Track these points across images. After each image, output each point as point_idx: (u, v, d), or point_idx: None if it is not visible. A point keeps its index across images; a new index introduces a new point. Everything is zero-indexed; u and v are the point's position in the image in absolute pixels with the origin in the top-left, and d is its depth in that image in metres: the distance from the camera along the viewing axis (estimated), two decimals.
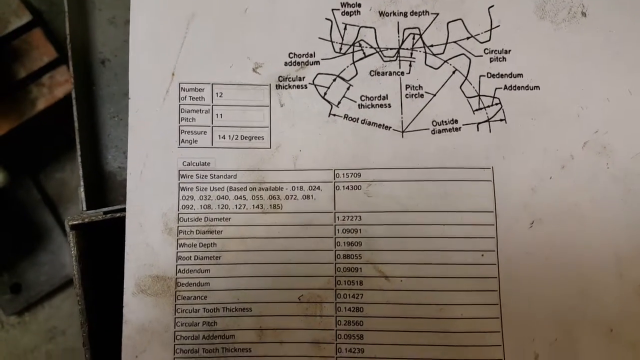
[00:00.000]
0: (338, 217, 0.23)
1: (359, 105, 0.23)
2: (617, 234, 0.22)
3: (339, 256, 0.23)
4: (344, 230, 0.23)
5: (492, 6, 0.23)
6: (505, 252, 0.22)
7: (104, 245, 0.26)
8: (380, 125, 0.23)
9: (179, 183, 0.23)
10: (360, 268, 0.22)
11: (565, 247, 0.22)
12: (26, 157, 0.59)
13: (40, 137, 0.57)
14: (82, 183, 0.29)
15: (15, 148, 0.53)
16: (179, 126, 0.24)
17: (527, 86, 0.23)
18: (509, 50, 0.23)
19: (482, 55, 0.23)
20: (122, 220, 0.24)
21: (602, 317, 0.21)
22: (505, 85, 0.23)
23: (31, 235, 0.58)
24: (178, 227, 0.23)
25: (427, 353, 0.22)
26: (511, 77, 0.23)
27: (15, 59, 0.49)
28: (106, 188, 0.31)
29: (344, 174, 0.23)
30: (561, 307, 0.22)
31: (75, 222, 0.24)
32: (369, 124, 0.23)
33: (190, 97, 0.24)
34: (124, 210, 0.24)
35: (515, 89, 0.23)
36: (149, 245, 0.23)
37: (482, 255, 0.22)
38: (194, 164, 0.23)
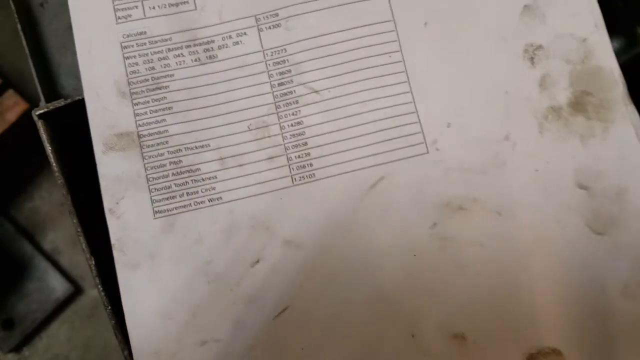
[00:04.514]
0: (266, 54, 0.27)
1: None
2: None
3: (274, 85, 0.27)
4: (274, 63, 0.27)
5: None
6: (408, 49, 0.27)
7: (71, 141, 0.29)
8: None
9: (123, 53, 0.26)
10: (294, 90, 0.26)
11: (454, 42, 0.27)
12: None
13: (1, 171, 0.58)
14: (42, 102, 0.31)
15: None
16: (114, 5, 0.27)
17: None
18: None
19: None
20: (83, 107, 0.27)
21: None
22: None
23: (14, 268, 0.58)
24: (130, 89, 0.26)
25: (360, 142, 0.26)
26: None
27: None
28: None
29: (264, 17, 0.27)
30: (461, 87, 0.26)
31: (40, 112, 0.27)
32: None
33: None
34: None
35: None
36: (108, 109, 0.26)
37: (390, 56, 0.26)
38: (133, 35, 0.27)
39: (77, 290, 0.59)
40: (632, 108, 0.26)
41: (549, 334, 0.25)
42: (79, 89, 0.34)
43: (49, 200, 0.63)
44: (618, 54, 0.28)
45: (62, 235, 0.61)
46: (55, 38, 0.33)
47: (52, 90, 0.33)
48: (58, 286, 0.59)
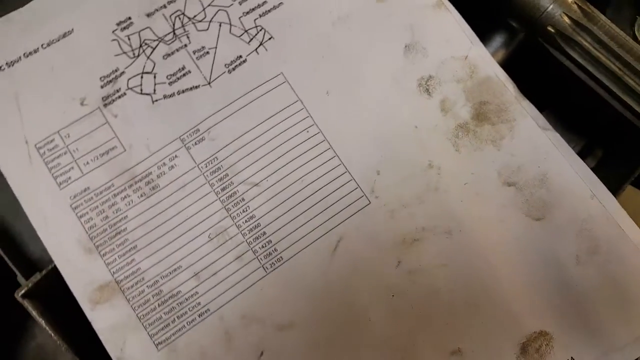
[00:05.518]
0: (202, 167, 0.29)
1: (169, 83, 0.29)
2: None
3: (217, 192, 0.29)
4: (211, 173, 0.29)
5: None
6: (321, 120, 0.29)
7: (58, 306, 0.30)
8: (191, 88, 0.29)
9: (76, 214, 0.28)
10: (237, 190, 0.29)
11: (356, 99, 0.29)
12: None
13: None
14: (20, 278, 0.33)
15: None
16: (52, 174, 0.29)
17: (273, 6, 0.30)
18: None
19: (232, 4, 0.30)
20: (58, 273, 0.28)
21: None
22: (259, 14, 0.30)
23: None
24: (94, 244, 0.28)
25: (310, 214, 0.29)
26: (260, 6, 0.30)
27: None
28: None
29: (187, 136, 0.29)
30: (375, 136, 0.29)
31: (22, 292, 0.29)
32: (184, 91, 0.29)
33: (47, 149, 0.29)
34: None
35: (267, 13, 0.30)
36: (81, 269, 0.28)
37: (307, 131, 0.29)
38: (78, 194, 0.29)
39: None
40: (526, 103, 0.29)
41: (530, 320, 0.28)
42: (46, 248, 0.35)
43: (53, 339, 0.64)
44: (505, 45, 0.31)
45: None
46: (7, 208, 0.35)
47: (22, 259, 0.34)
48: None
